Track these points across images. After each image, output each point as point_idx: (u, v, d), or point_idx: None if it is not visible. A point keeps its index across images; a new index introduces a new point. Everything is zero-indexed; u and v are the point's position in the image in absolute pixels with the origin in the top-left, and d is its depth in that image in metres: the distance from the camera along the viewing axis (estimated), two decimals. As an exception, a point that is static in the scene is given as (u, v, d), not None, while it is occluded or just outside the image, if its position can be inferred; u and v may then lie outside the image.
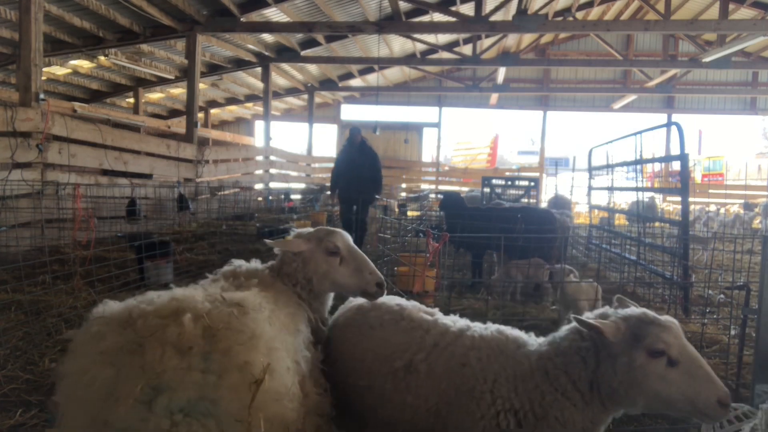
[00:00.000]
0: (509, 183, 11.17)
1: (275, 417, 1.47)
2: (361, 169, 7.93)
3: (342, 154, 8.40)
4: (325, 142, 22.89)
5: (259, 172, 15.59)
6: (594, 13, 18.05)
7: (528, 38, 18.69)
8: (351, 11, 12.85)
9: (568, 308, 4.16)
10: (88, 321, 1.60)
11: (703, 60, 13.76)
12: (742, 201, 15.64)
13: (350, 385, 2.06)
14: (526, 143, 39.80)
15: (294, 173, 17.93)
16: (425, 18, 13.73)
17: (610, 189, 7.37)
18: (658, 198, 17.21)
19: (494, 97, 20.48)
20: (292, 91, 19.46)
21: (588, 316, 1.84)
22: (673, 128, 5.25)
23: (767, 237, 2.49)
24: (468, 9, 13.38)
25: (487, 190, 9.76)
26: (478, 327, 2.04)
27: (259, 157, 15.29)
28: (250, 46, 13.77)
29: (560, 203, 10.07)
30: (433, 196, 16.99)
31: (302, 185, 17.98)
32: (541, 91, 20.38)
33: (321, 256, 2.23)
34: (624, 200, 12.57)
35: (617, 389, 1.73)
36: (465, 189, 18.83)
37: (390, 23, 11.73)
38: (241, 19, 11.17)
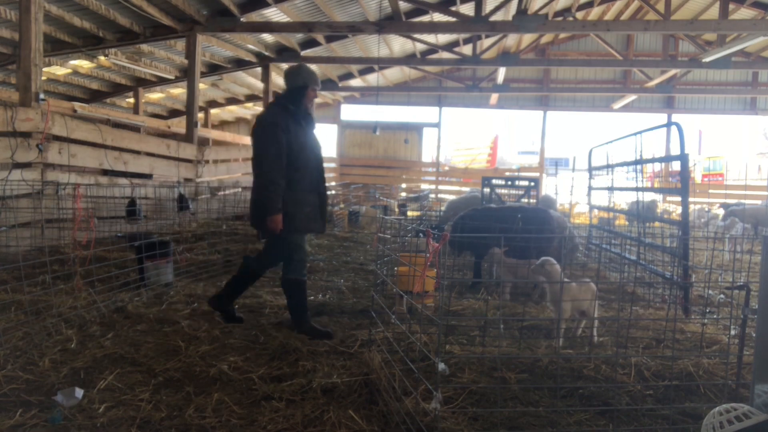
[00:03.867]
0: (509, 183, 11.16)
1: None
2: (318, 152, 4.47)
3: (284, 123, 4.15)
4: (325, 142, 22.87)
5: (259, 172, 15.57)
6: (594, 13, 18.04)
7: (528, 38, 18.68)
8: (351, 11, 12.84)
9: (555, 308, 4.15)
10: None
11: (703, 60, 13.75)
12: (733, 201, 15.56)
13: None
14: (527, 143, 39.79)
15: (294, 173, 17.88)
16: (425, 18, 13.72)
17: (610, 189, 7.36)
18: (658, 198, 17.20)
19: (494, 97, 20.47)
20: (292, 91, 19.41)
21: None
22: (673, 128, 5.25)
23: (767, 237, 2.49)
24: (468, 9, 13.37)
25: (487, 190, 9.77)
26: None
27: (259, 157, 15.27)
28: (250, 46, 13.77)
29: (547, 203, 10.15)
30: (432, 196, 16.98)
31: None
32: (541, 91, 20.36)
33: None
34: (624, 200, 12.57)
35: None
36: (465, 189, 18.83)
37: (390, 23, 11.72)
38: (241, 19, 11.16)
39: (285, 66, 15.81)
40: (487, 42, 16.49)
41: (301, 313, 4.26)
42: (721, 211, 12.32)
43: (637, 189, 6.49)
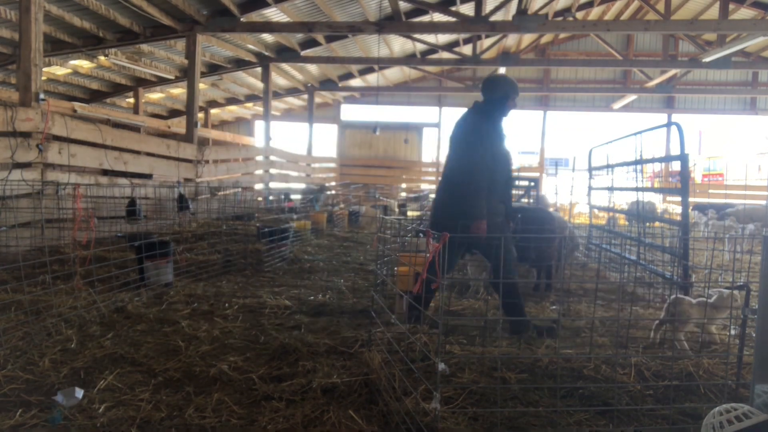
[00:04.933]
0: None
1: None
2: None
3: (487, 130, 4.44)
4: (325, 142, 22.90)
5: (259, 172, 15.59)
6: (594, 13, 18.04)
7: (528, 38, 18.69)
8: (351, 11, 12.85)
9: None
10: None
11: (703, 60, 13.75)
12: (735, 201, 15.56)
13: None
14: (526, 143, 39.73)
15: (294, 173, 17.94)
16: (425, 18, 13.73)
17: (610, 189, 7.36)
18: (657, 199, 17.21)
19: (494, 97, 20.45)
20: (292, 91, 19.46)
21: None
22: (673, 128, 5.25)
23: (767, 237, 2.49)
24: (468, 9, 13.38)
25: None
26: None
27: (259, 157, 15.29)
28: (250, 46, 13.77)
29: (541, 204, 10.17)
30: (432, 196, 16.95)
31: (302, 185, 17.99)
32: (541, 91, 20.37)
33: None
34: (624, 200, 12.58)
35: None
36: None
37: (390, 23, 11.73)
38: (241, 19, 11.17)
39: (285, 66, 15.85)
40: (487, 42, 16.50)
41: (519, 313, 4.11)
42: (695, 213, 12.41)
43: (637, 189, 6.49)
